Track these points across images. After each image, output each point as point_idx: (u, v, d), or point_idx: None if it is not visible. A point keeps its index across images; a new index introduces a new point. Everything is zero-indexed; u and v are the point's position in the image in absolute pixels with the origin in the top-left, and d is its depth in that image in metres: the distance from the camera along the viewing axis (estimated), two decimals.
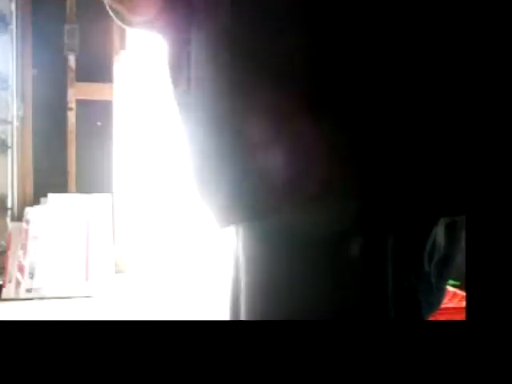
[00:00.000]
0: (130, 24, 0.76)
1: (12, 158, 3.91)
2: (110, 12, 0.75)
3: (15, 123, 3.90)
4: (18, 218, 3.77)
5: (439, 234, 0.76)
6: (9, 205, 3.91)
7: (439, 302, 0.86)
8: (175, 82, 0.78)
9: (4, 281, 3.43)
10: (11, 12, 3.90)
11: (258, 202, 0.68)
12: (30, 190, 3.95)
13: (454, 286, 2.42)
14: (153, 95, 4.58)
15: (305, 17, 0.67)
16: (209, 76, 0.73)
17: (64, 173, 4.01)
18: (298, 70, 0.67)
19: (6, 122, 3.91)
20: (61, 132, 4.01)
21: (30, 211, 3.59)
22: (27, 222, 3.54)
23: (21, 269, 3.43)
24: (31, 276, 3.43)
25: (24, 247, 3.47)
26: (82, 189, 3.96)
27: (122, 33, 4.10)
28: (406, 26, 0.67)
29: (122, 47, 4.12)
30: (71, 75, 4.00)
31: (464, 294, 2.19)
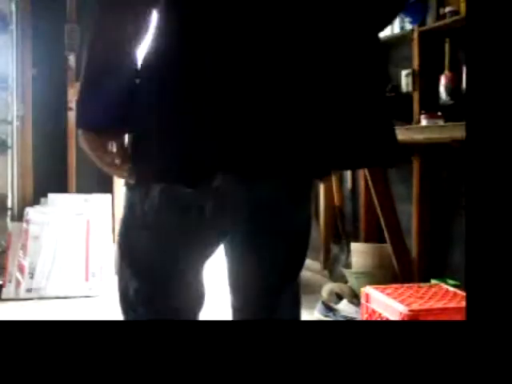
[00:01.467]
0: None
1: (12, 158, 3.91)
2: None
3: (15, 123, 3.89)
4: (18, 218, 3.76)
5: None
6: (9, 205, 3.90)
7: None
8: None
9: (4, 281, 3.43)
10: (11, 12, 3.90)
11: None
12: (29, 190, 3.95)
13: (454, 285, 2.42)
14: None
15: None
16: None
17: (64, 173, 4.01)
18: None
19: (6, 122, 3.90)
20: (61, 132, 4.01)
21: (30, 211, 3.59)
22: (27, 222, 3.53)
23: (21, 269, 3.42)
24: (31, 276, 3.42)
25: (24, 247, 3.47)
26: (82, 189, 3.96)
27: None
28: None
29: None
30: (71, 75, 4.00)
31: (464, 293, 2.19)
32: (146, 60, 1.00)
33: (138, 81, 1.00)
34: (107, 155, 1.02)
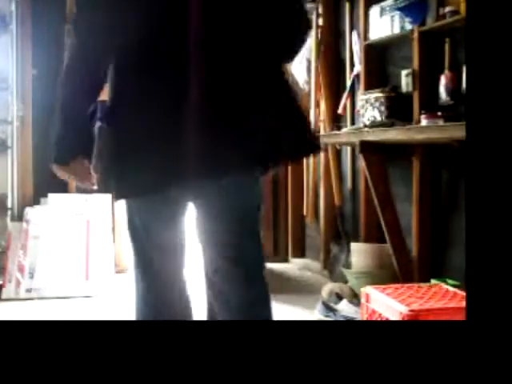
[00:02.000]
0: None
1: (12, 158, 3.91)
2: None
3: (15, 123, 3.89)
4: (18, 218, 3.76)
5: None
6: (9, 205, 3.90)
7: None
8: None
9: (4, 281, 3.43)
10: (11, 12, 3.90)
11: None
12: (29, 190, 3.95)
13: (454, 285, 2.42)
14: None
15: None
16: None
17: None
18: None
19: (6, 122, 3.90)
20: None
21: (29, 211, 3.59)
22: (27, 222, 3.53)
23: (21, 269, 3.42)
24: (31, 276, 3.42)
25: (24, 247, 3.47)
26: (82, 189, 3.96)
27: None
28: None
29: None
30: None
31: (464, 293, 2.19)
32: (107, 107, 1.51)
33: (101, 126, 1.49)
34: (69, 178, 1.67)
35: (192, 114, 1.32)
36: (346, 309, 2.87)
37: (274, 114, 1.40)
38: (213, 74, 1.35)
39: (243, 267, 1.48)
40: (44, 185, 3.92)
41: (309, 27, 1.57)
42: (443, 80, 2.80)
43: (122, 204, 1.59)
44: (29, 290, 3.39)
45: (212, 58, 1.35)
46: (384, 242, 3.10)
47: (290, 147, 1.43)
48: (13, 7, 3.90)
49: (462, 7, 2.64)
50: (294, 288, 3.64)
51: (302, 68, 3.95)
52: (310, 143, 1.49)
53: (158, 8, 1.35)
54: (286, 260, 4.38)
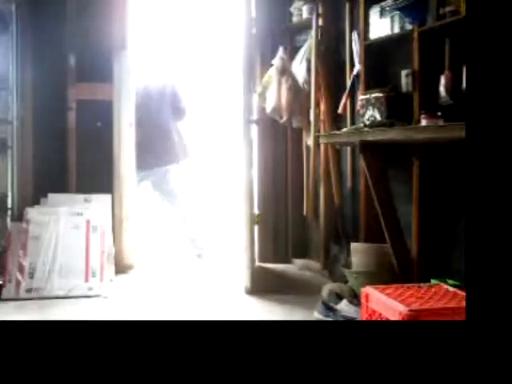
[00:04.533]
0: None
1: (12, 158, 3.90)
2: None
3: (15, 123, 3.89)
4: (18, 218, 3.76)
5: None
6: (9, 205, 3.90)
7: None
8: None
9: (4, 281, 3.43)
10: (11, 12, 3.90)
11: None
12: (29, 190, 3.95)
13: (454, 285, 2.42)
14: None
15: None
16: None
17: (64, 173, 4.01)
18: None
19: (6, 121, 3.90)
20: (61, 132, 4.01)
21: (30, 211, 3.59)
22: (27, 222, 3.53)
23: (21, 269, 3.42)
24: (31, 276, 3.42)
25: (24, 247, 3.47)
26: (82, 189, 3.96)
27: (123, 33, 4.10)
28: None
29: (123, 47, 4.11)
30: (71, 75, 3.99)
31: (464, 293, 2.19)
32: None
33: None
34: None
35: (155, 144, 4.51)
36: (345, 309, 2.87)
37: (172, 148, 4.62)
38: (163, 136, 4.58)
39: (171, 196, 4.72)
40: (44, 185, 3.93)
41: (185, 113, 4.74)
42: (443, 80, 2.80)
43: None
44: (29, 290, 3.39)
45: (161, 130, 4.58)
46: (384, 242, 3.10)
47: (175, 158, 4.63)
48: (13, 7, 3.89)
49: (462, 7, 2.64)
50: (294, 288, 3.64)
51: (301, 68, 3.96)
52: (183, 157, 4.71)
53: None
54: (286, 260, 4.39)
